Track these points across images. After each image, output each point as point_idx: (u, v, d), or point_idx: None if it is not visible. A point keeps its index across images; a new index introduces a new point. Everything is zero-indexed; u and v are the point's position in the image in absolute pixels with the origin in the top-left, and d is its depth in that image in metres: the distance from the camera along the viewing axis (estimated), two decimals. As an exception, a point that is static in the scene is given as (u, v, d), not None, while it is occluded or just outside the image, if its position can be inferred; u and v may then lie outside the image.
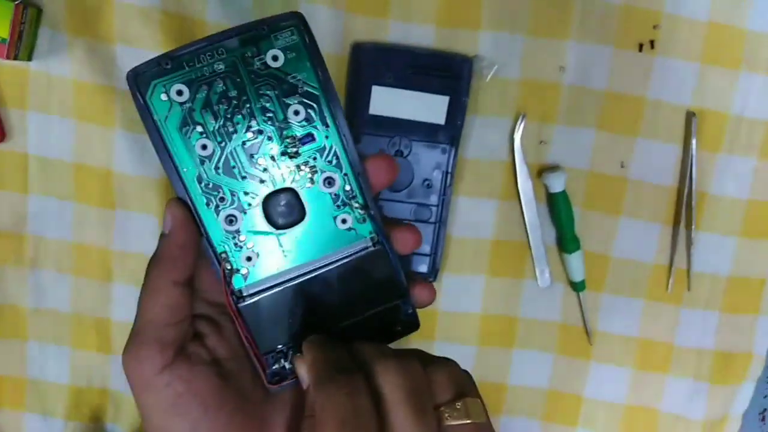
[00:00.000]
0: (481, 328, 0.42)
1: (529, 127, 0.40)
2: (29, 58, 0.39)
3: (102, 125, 0.39)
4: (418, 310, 0.27)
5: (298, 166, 0.25)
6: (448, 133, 0.40)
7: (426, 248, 0.41)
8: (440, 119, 0.39)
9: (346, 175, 0.25)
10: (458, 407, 0.22)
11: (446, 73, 0.39)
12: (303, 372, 0.23)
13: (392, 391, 0.22)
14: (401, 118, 0.39)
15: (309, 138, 0.24)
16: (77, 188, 0.40)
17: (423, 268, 0.41)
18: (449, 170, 0.40)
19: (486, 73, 0.40)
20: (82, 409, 0.42)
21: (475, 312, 0.42)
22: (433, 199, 0.41)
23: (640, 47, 0.39)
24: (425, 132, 0.40)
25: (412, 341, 0.43)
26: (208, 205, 0.24)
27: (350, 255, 0.25)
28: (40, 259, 0.41)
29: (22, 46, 0.37)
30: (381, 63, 0.39)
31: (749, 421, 0.44)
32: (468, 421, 0.21)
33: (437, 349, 0.43)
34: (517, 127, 0.40)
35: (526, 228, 0.41)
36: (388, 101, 0.39)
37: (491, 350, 0.43)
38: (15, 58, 0.37)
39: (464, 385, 0.23)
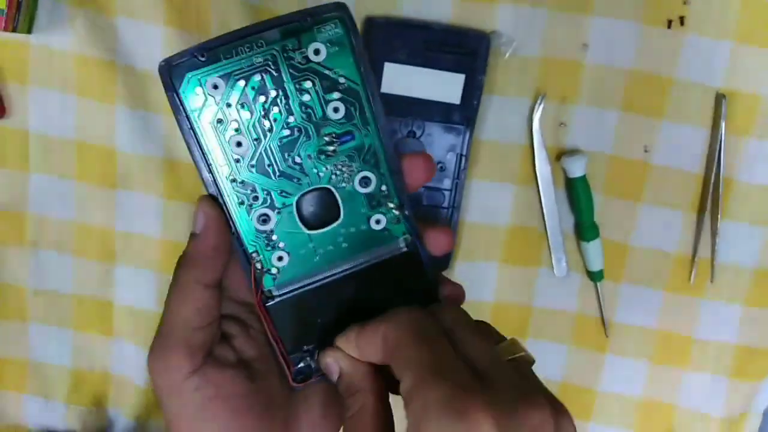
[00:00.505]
0: (493, 318, 0.41)
1: (548, 107, 0.38)
2: (29, 31, 0.37)
3: (103, 101, 0.38)
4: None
5: (335, 165, 0.24)
6: (464, 114, 0.38)
7: (438, 234, 0.39)
8: (455, 99, 0.38)
9: (382, 174, 0.24)
10: (508, 344, 0.23)
11: (462, 49, 0.37)
12: (331, 360, 0.23)
13: (457, 323, 0.23)
14: (414, 97, 0.38)
15: (348, 136, 0.23)
16: (79, 166, 0.39)
17: (434, 254, 0.40)
18: (464, 153, 0.38)
19: (504, 50, 0.38)
20: (83, 392, 0.42)
21: (488, 301, 0.41)
22: (447, 183, 0.39)
23: (669, 24, 0.37)
24: (439, 112, 0.38)
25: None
26: (241, 203, 0.23)
27: (382, 256, 0.25)
28: (41, 239, 0.40)
29: (21, 17, 0.36)
30: (393, 39, 0.37)
31: (771, 418, 0.43)
32: (521, 353, 0.22)
33: (448, 338, 0.41)
34: (536, 107, 0.38)
35: (543, 214, 0.40)
36: (400, 79, 0.37)
37: (504, 340, 0.41)
38: (14, 30, 0.36)
39: (498, 333, 0.24)
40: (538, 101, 0.38)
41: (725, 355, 0.41)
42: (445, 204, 0.39)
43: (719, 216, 0.39)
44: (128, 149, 0.39)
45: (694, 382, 0.42)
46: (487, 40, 0.37)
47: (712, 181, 0.39)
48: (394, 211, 0.24)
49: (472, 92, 0.38)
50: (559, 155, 0.39)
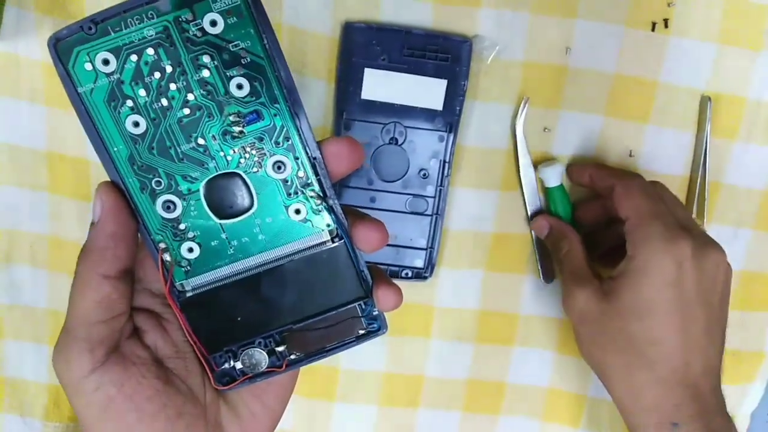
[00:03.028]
0: (479, 326, 0.40)
1: (532, 112, 0.38)
2: (-5, 39, 0.36)
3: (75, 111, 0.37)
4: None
5: (243, 148, 0.22)
6: (446, 120, 0.37)
7: (422, 242, 0.39)
8: (437, 104, 0.37)
9: (298, 159, 0.22)
10: None
11: (444, 55, 0.36)
12: (543, 221, 0.38)
13: (665, 190, 0.35)
14: (396, 104, 0.37)
15: (255, 116, 0.22)
16: (51, 178, 0.38)
17: (419, 262, 0.39)
18: (447, 159, 0.38)
19: (486, 55, 0.37)
20: (62, 409, 0.41)
21: (474, 308, 0.40)
22: (430, 189, 0.38)
23: (653, 26, 0.37)
24: (421, 118, 0.37)
25: (405, 336, 0.41)
26: (143, 189, 0.22)
27: (305, 249, 0.23)
28: (14, 253, 0.39)
29: (-14, 25, 0.35)
30: (374, 44, 0.36)
31: (758, 421, 0.42)
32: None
33: (433, 348, 0.41)
34: (519, 112, 0.37)
35: (528, 220, 0.39)
36: (381, 85, 0.37)
37: (490, 348, 0.41)
38: (-21, 39, 0.35)
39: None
40: (522, 106, 0.37)
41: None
42: (429, 211, 0.38)
43: (705, 219, 0.38)
44: (102, 160, 0.38)
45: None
46: (469, 45, 0.36)
47: (698, 184, 0.38)
48: (314, 200, 0.23)
49: (455, 98, 0.37)
50: (542, 161, 0.38)
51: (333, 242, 0.23)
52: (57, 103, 0.37)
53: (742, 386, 0.41)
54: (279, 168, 0.22)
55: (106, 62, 0.21)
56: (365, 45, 0.36)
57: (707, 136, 0.37)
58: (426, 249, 0.39)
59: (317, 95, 0.37)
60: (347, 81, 0.37)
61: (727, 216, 0.39)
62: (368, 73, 0.36)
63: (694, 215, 0.39)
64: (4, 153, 0.38)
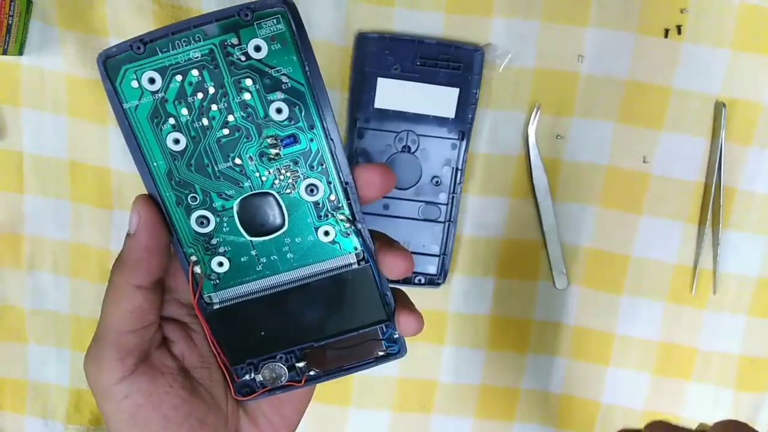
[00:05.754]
0: (492, 332, 0.41)
1: (544, 119, 0.38)
2: (20, 53, 0.37)
3: (97, 122, 0.38)
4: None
5: (278, 170, 0.23)
6: (458, 127, 0.38)
7: (435, 249, 0.39)
8: (450, 113, 0.37)
9: (331, 183, 0.23)
10: None
11: (456, 63, 0.37)
12: None
13: None
14: (408, 112, 0.37)
15: (291, 139, 0.22)
16: (74, 187, 0.39)
17: (432, 269, 0.39)
18: (459, 166, 0.38)
19: (499, 63, 0.37)
20: (83, 411, 0.42)
21: (486, 315, 0.40)
22: (443, 197, 0.39)
23: (666, 33, 0.36)
24: (434, 126, 0.38)
25: (419, 342, 0.41)
26: (178, 204, 0.23)
27: (331, 270, 0.24)
28: (37, 260, 0.40)
29: (11, 40, 0.36)
30: (386, 54, 0.37)
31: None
32: None
33: (445, 354, 0.41)
34: (531, 119, 0.38)
35: (541, 227, 0.39)
36: (394, 94, 0.37)
37: (503, 354, 0.41)
38: (4, 53, 0.36)
39: None
40: (534, 113, 0.37)
41: (730, 367, 0.41)
42: (442, 218, 0.39)
43: (720, 226, 0.38)
44: (123, 169, 0.39)
45: (698, 393, 0.41)
46: (481, 54, 0.37)
47: (713, 190, 0.38)
48: (344, 223, 0.23)
49: (467, 106, 0.37)
50: (554, 168, 0.38)
51: (359, 265, 0.24)
52: (79, 115, 0.38)
53: (760, 394, 0.41)
54: (312, 191, 0.23)
55: (151, 81, 0.21)
56: (378, 55, 0.37)
57: (722, 142, 0.37)
58: (439, 255, 0.39)
59: (331, 104, 0.38)
60: (361, 90, 0.37)
61: (743, 222, 0.39)
62: (381, 82, 0.37)
63: (709, 221, 0.39)
64: (28, 163, 0.39)
